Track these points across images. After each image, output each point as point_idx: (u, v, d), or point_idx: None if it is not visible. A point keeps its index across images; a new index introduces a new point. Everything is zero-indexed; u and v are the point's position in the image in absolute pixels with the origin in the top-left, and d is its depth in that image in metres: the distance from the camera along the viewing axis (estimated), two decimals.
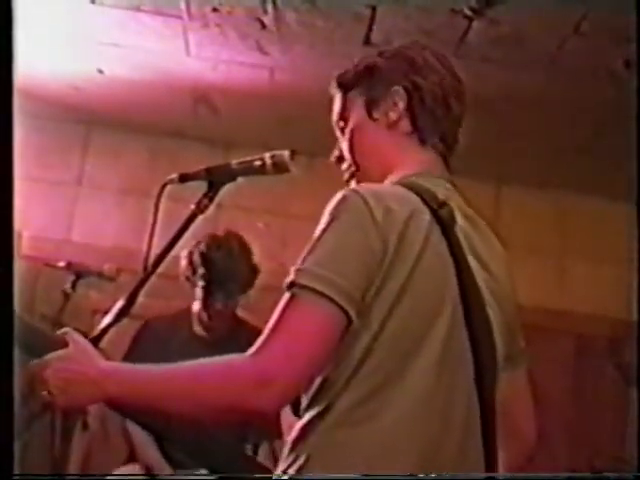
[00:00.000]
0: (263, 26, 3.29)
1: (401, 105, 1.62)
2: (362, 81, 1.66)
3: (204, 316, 3.09)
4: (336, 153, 1.72)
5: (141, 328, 3.16)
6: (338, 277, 1.34)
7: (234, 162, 1.68)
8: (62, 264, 3.31)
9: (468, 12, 3.00)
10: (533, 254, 4.51)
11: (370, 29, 3.19)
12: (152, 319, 3.19)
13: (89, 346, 1.50)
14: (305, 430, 1.42)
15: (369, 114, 1.65)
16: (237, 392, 1.33)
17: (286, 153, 1.65)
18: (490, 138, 3.60)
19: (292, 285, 1.36)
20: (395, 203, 1.42)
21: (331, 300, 1.33)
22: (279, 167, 1.66)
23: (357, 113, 1.66)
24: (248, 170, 1.68)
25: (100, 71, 3.93)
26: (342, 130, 1.70)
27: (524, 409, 1.72)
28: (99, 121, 4.63)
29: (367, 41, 3.26)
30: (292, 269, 1.38)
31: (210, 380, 1.37)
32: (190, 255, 3.05)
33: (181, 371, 1.42)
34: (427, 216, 1.45)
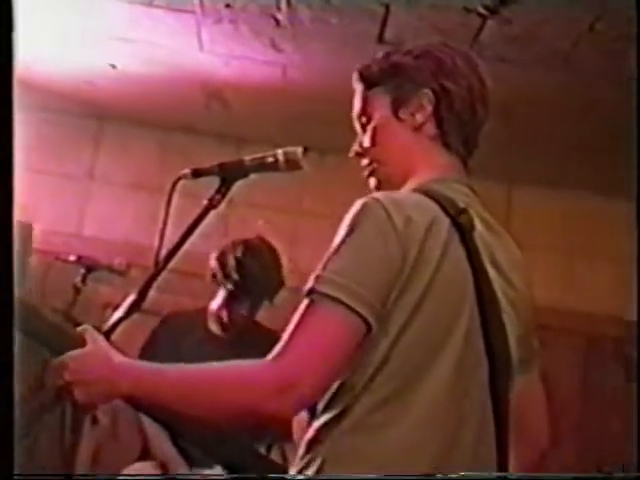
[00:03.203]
0: (277, 23, 3.29)
1: (429, 108, 1.61)
2: (388, 79, 1.64)
3: (224, 316, 3.10)
4: (356, 148, 1.71)
5: (160, 323, 3.18)
6: (357, 285, 1.35)
7: (247, 158, 1.68)
8: (73, 258, 3.31)
9: (482, 11, 3.00)
10: (544, 254, 4.50)
11: (384, 27, 3.19)
12: (170, 315, 3.22)
13: (105, 344, 1.51)
14: (321, 432, 1.43)
15: (395, 114, 1.63)
16: (257, 396, 1.34)
17: (299, 150, 1.65)
18: (502, 138, 3.59)
19: (311, 291, 1.37)
20: (415, 212, 1.42)
21: (350, 308, 1.34)
22: (291, 164, 1.66)
23: (382, 111, 1.65)
24: (261, 166, 1.68)
25: (113, 66, 3.94)
26: (363, 126, 1.69)
27: (537, 412, 1.72)
28: (111, 116, 4.65)
29: (380, 39, 3.26)
30: (312, 275, 1.39)
31: (230, 383, 1.38)
32: (223, 257, 3.06)
33: (201, 373, 1.43)
34: (446, 224, 1.45)
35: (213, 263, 3.09)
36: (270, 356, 1.35)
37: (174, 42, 3.60)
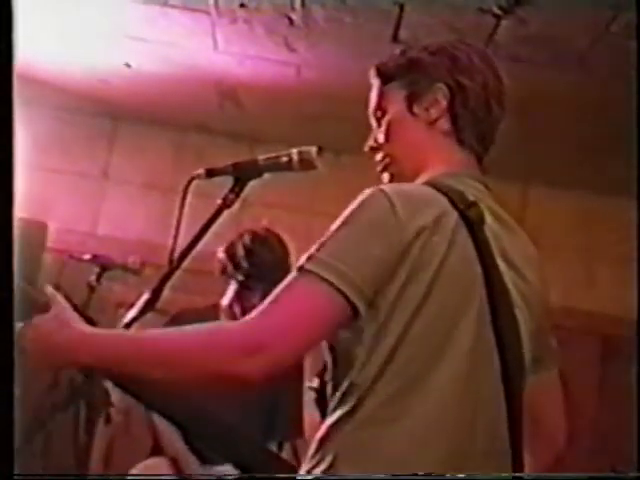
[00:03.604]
0: (291, 23, 3.30)
1: (443, 103, 1.61)
2: (404, 74, 1.64)
3: (237, 310, 3.08)
4: (371, 142, 1.71)
5: (169, 321, 3.17)
6: (347, 267, 1.35)
7: (261, 158, 1.68)
8: (87, 257, 3.32)
9: (497, 11, 2.99)
10: (560, 254, 4.49)
11: (398, 27, 3.19)
12: (180, 313, 3.20)
13: (70, 312, 1.48)
14: (332, 430, 1.43)
15: (409, 108, 1.63)
16: (222, 357, 1.34)
17: (313, 149, 1.65)
18: (517, 138, 3.58)
19: (301, 269, 1.38)
20: (422, 205, 1.42)
21: (335, 287, 1.34)
22: (305, 164, 1.66)
23: (396, 106, 1.65)
24: (275, 166, 1.67)
25: (128, 65, 3.96)
26: (378, 120, 1.69)
27: (554, 411, 1.71)
28: (126, 115, 4.67)
29: (395, 39, 3.26)
30: (304, 255, 1.40)
31: (195, 344, 1.37)
32: (232, 248, 3.05)
33: (167, 335, 1.43)
34: (454, 218, 1.44)
35: (222, 256, 3.07)
36: (246, 318, 1.36)
37: (189, 42, 3.61)
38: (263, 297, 3.29)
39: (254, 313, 1.36)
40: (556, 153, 4.20)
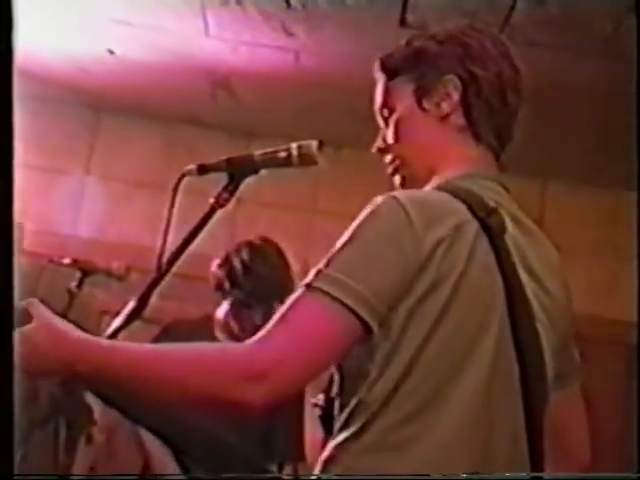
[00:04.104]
0: (288, 5, 3.30)
1: (455, 96, 1.60)
2: (411, 66, 1.64)
3: (234, 327, 3.09)
4: (379, 144, 1.70)
5: (161, 332, 3.17)
6: (358, 284, 1.34)
7: (257, 153, 1.67)
8: (67, 261, 3.32)
9: None
10: (581, 257, 4.49)
11: (405, 9, 3.18)
12: (172, 323, 3.21)
13: (55, 318, 1.46)
14: (338, 451, 1.43)
15: (418, 104, 1.63)
16: (223, 382, 1.33)
17: (314, 144, 1.64)
18: (536, 130, 3.58)
19: (308, 286, 1.37)
20: (439, 214, 1.42)
21: (347, 307, 1.33)
22: (306, 159, 1.65)
23: (405, 102, 1.64)
24: (272, 162, 1.67)
25: (111, 52, 3.95)
26: (386, 120, 1.68)
27: (577, 430, 1.72)
28: (109, 106, 4.67)
29: (402, 22, 3.25)
30: (312, 270, 1.39)
31: (197, 365, 1.36)
32: (228, 263, 3.05)
33: (167, 352, 1.42)
34: (474, 227, 1.44)
35: (217, 272, 3.07)
36: (249, 341, 1.34)
37: (177, 26, 3.61)
38: (264, 315, 3.31)
39: (258, 336, 1.34)
40: (578, 146, 4.19)
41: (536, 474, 1.51)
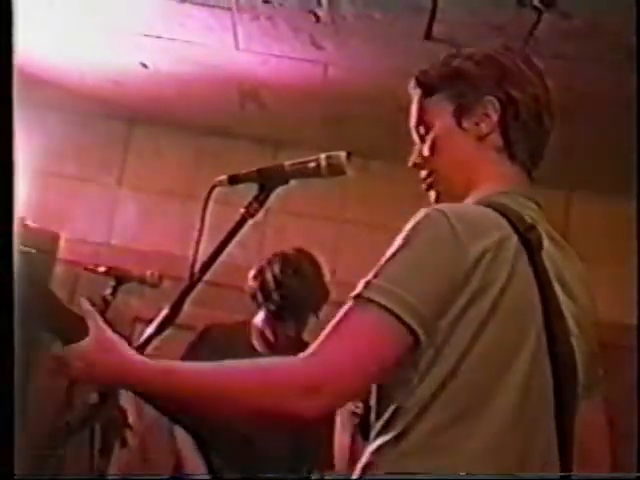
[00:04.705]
0: (317, 19, 3.31)
1: (494, 117, 1.62)
2: (449, 85, 1.65)
3: (270, 336, 3.10)
4: (414, 159, 1.71)
5: (200, 335, 3.19)
6: (408, 294, 1.35)
7: (287, 163, 1.67)
8: (102, 269, 3.34)
9: (537, 4, 2.99)
10: (606, 266, 4.46)
11: (431, 23, 3.18)
12: (211, 327, 3.22)
13: (111, 334, 1.49)
14: (376, 456, 1.44)
15: (458, 123, 1.64)
16: (280, 396, 1.35)
17: (342, 154, 1.65)
18: (562, 141, 3.57)
19: (358, 297, 1.38)
20: (483, 227, 1.43)
21: (397, 317, 1.34)
22: (334, 169, 1.65)
23: (443, 120, 1.66)
24: (302, 172, 1.67)
25: (143, 65, 3.98)
26: (422, 136, 1.69)
27: (599, 439, 1.72)
28: (141, 118, 4.70)
29: (428, 36, 3.25)
30: (361, 281, 1.39)
31: (253, 381, 1.38)
32: (261, 275, 3.06)
33: (223, 369, 1.43)
34: (515, 242, 1.45)
35: (251, 283, 3.08)
36: (302, 355, 1.36)
37: (209, 40, 3.63)
38: (297, 327, 3.31)
39: (311, 349, 1.36)
40: (603, 157, 4.17)
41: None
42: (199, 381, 1.42)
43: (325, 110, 4.16)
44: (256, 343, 3.14)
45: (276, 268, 3.02)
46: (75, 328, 1.48)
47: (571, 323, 1.52)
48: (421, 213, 1.43)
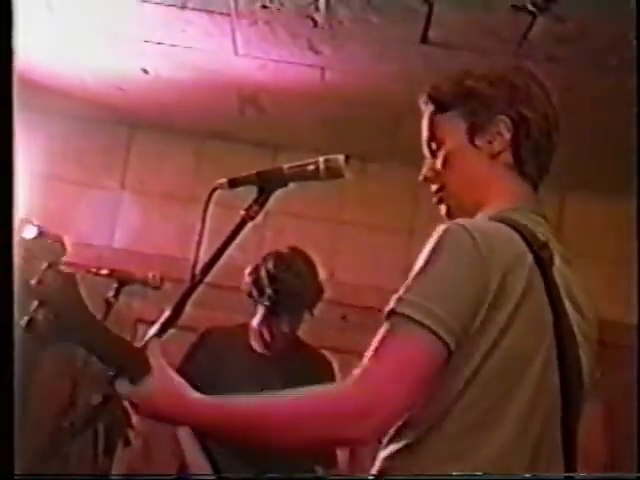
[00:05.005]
0: (314, 24, 3.32)
1: (507, 136, 1.65)
2: (463, 103, 1.68)
3: (266, 335, 3.11)
4: (425, 173, 1.74)
5: (200, 336, 3.20)
6: (441, 310, 1.38)
7: (286, 166, 1.68)
8: (105, 271, 3.35)
9: (531, 8, 2.99)
10: (600, 266, 4.47)
11: (427, 27, 3.19)
12: (210, 330, 3.24)
13: (171, 372, 1.51)
14: (389, 463, 1.47)
15: (471, 140, 1.67)
16: (334, 424, 1.38)
17: (341, 157, 1.65)
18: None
19: (393, 313, 1.41)
20: (500, 243, 1.46)
21: (434, 333, 1.37)
22: (333, 172, 1.66)
23: (456, 137, 1.69)
24: (301, 175, 1.68)
25: (144, 71, 3.99)
26: (433, 152, 1.72)
27: (596, 442, 1.74)
28: (143, 123, 4.71)
29: (424, 39, 3.26)
30: (393, 297, 1.42)
31: (306, 412, 1.41)
32: (256, 272, 3.08)
33: (276, 402, 1.45)
34: (529, 258, 1.48)
35: (247, 280, 3.11)
36: (350, 381, 1.38)
37: (208, 45, 3.64)
38: (291, 323, 3.33)
39: (357, 374, 1.39)
40: (597, 158, 4.18)
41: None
42: (256, 414, 1.44)
43: (323, 114, 4.16)
44: (254, 344, 3.16)
45: (270, 264, 3.05)
46: (139, 366, 1.50)
47: (580, 339, 1.55)
48: (442, 228, 1.46)
